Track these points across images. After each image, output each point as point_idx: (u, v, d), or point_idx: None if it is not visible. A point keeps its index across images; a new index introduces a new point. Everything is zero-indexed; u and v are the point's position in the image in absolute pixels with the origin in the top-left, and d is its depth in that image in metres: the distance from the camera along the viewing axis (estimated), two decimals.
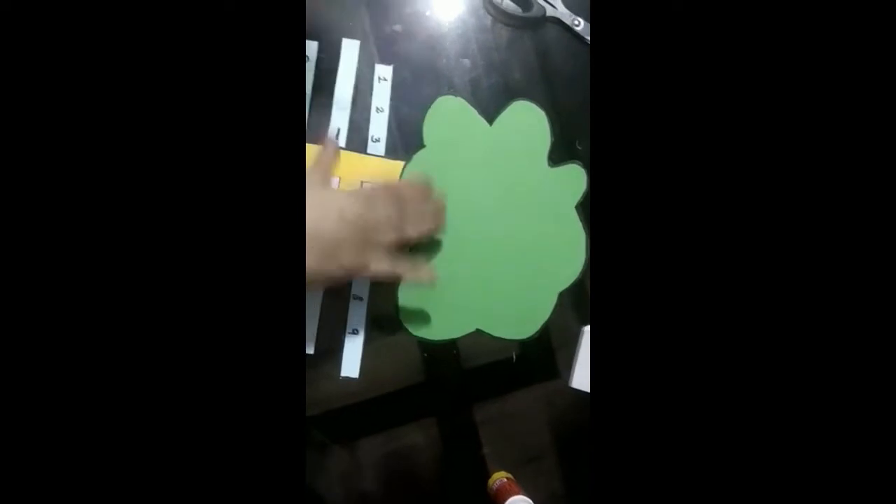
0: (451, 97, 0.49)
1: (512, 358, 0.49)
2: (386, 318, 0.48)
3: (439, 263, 0.48)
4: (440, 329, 0.48)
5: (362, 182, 0.48)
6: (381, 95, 0.49)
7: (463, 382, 0.49)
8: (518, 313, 0.48)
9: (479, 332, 0.48)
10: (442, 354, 0.48)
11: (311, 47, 0.49)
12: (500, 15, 0.51)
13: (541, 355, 0.49)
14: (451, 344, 0.48)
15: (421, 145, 0.49)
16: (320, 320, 0.47)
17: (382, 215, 0.40)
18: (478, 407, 0.49)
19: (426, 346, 0.48)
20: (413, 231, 0.42)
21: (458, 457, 0.48)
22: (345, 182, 0.48)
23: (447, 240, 0.48)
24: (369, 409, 0.47)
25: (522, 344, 0.49)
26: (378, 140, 0.49)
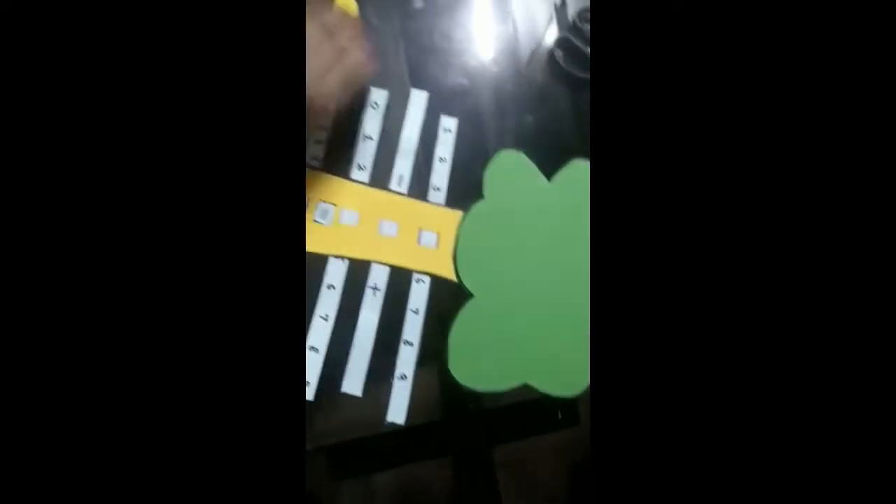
0: (512, 152, 0.50)
1: (557, 415, 0.48)
2: (434, 366, 0.47)
3: (492, 315, 0.48)
4: (488, 380, 0.47)
5: (420, 230, 0.49)
6: (445, 146, 0.50)
7: (483, 423, 0.48)
8: (567, 370, 0.48)
9: (526, 386, 0.48)
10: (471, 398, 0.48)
11: (381, 95, 0.51)
12: (564, 74, 0.52)
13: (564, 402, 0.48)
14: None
15: (480, 197, 0.50)
16: (370, 363, 0.47)
17: None
18: (496, 448, 0.48)
19: (471, 395, 0.47)
20: None
21: (473, 498, 0.47)
22: (403, 227, 0.49)
23: (501, 292, 0.48)
24: (386, 444, 0.46)
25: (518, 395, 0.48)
26: (439, 189, 0.49)
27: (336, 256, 0.47)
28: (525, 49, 0.54)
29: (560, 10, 0.55)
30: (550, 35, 0.54)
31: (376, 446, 0.46)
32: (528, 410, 0.48)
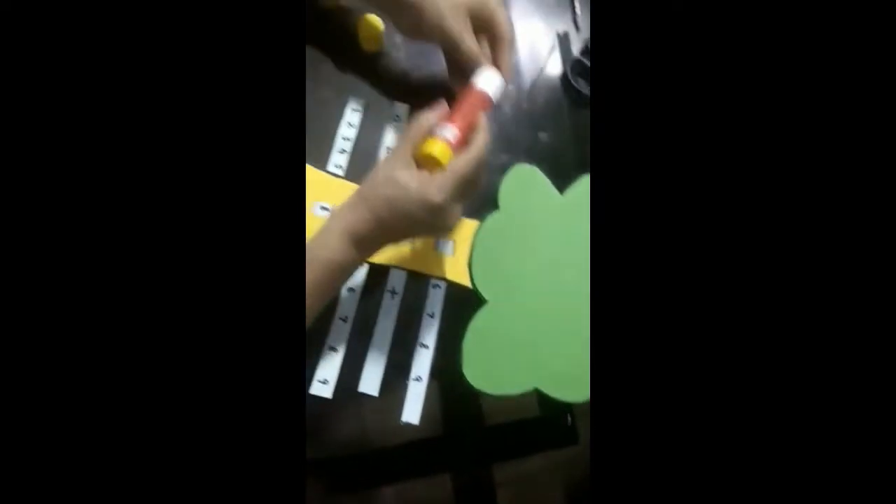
0: (526, 165, 0.53)
1: (567, 421, 0.50)
2: (449, 368, 0.49)
3: (505, 321, 0.50)
4: (500, 384, 0.49)
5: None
6: None
7: (483, 440, 0.49)
8: (576, 377, 0.50)
9: (537, 391, 0.49)
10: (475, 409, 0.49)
11: (402, 108, 0.53)
12: (577, 95, 0.55)
13: (552, 414, 0.50)
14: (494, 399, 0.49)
15: (495, 207, 0.52)
16: (387, 364, 0.48)
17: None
18: (497, 467, 0.49)
19: (482, 398, 0.49)
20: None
21: None
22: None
23: (513, 299, 0.50)
24: (385, 458, 0.47)
25: (543, 405, 0.49)
26: None
27: None
28: (529, 72, 0.57)
29: (563, 38, 0.59)
30: (554, 61, 0.58)
31: (385, 453, 0.47)
32: (533, 426, 0.50)
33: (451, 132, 0.40)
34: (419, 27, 0.46)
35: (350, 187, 0.51)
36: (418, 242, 0.50)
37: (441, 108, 0.41)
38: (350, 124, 0.52)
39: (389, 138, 0.52)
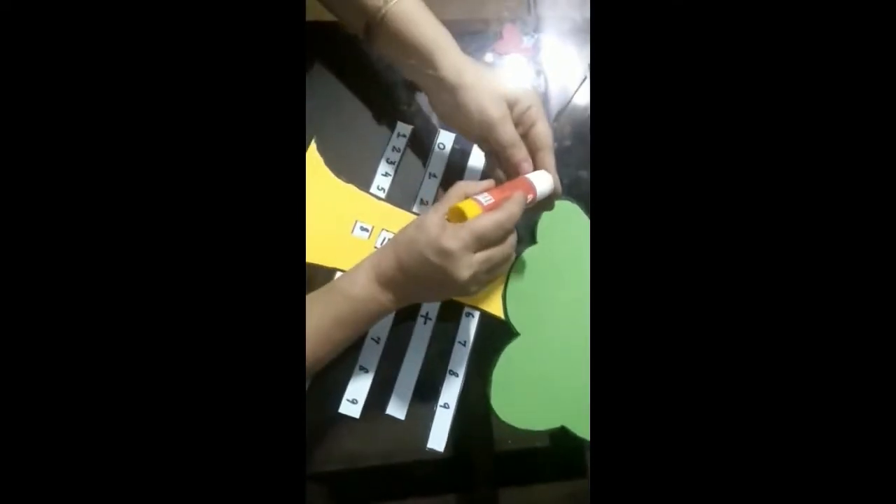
0: (567, 202, 0.53)
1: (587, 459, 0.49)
2: (470, 395, 0.49)
3: (535, 355, 0.50)
4: (527, 419, 0.48)
5: None
6: None
7: (492, 464, 0.48)
8: None
9: (563, 428, 0.49)
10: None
11: (448, 138, 0.54)
12: None
13: (573, 452, 0.49)
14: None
15: (533, 242, 0.52)
16: (415, 389, 0.48)
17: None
18: (503, 491, 0.48)
19: (494, 423, 0.48)
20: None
21: None
22: None
23: (545, 334, 0.50)
24: (393, 474, 0.47)
25: (558, 437, 0.49)
26: None
27: None
28: (556, 105, 0.58)
29: None
30: (582, 93, 0.59)
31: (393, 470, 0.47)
32: (544, 455, 0.49)
33: (485, 198, 0.42)
34: (456, 111, 0.45)
35: (389, 209, 0.51)
36: None
37: (486, 183, 0.43)
38: (395, 149, 0.53)
39: (432, 165, 0.53)
